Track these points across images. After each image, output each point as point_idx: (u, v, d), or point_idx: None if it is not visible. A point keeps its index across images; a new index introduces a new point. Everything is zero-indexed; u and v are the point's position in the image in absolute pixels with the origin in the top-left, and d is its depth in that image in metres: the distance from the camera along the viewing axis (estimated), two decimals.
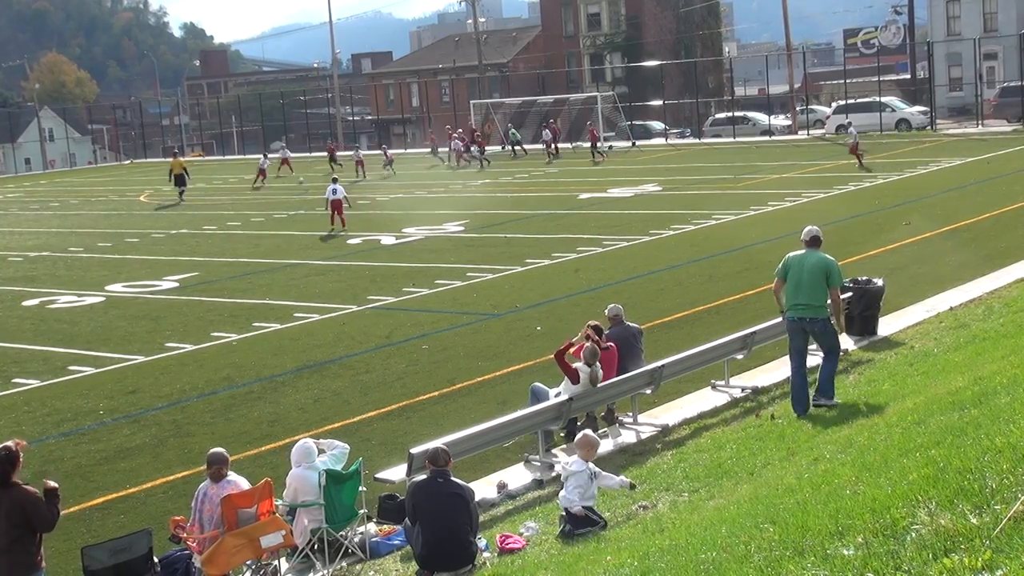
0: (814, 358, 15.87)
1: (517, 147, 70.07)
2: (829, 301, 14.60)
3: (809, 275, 14.48)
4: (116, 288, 30.09)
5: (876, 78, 71.89)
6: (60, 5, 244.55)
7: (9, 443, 9.65)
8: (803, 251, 14.78)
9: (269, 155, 66.85)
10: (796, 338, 14.90)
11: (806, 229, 15.06)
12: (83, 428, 17.70)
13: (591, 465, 11.63)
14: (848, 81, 72.81)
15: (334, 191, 39.34)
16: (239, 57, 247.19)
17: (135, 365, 21.49)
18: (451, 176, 58.78)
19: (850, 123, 53.37)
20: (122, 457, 16.20)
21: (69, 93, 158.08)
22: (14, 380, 20.80)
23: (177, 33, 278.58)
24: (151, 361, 21.69)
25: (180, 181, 55.18)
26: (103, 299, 28.70)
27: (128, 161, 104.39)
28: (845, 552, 6.77)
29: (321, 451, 12.29)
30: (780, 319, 17.64)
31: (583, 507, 11.38)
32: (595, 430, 15.12)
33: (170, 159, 61.83)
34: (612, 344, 15.84)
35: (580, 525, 11.33)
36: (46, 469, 15.56)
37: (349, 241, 35.97)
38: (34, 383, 20.53)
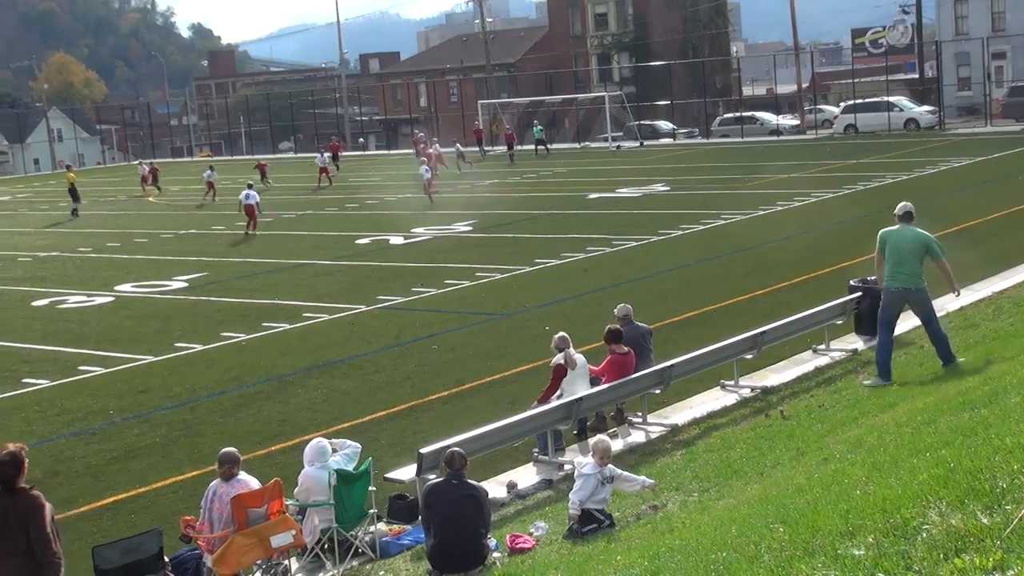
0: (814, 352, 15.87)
1: (540, 146, 69.57)
2: (939, 271, 15.40)
3: (909, 248, 15.11)
4: (125, 288, 30.15)
5: (884, 77, 71.75)
6: (67, 6, 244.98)
7: (11, 447, 9.61)
8: (897, 226, 15.28)
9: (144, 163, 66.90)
10: (892, 309, 15.46)
11: (900, 204, 15.59)
12: (93, 428, 17.74)
13: (607, 470, 11.61)
14: (856, 81, 72.66)
15: (247, 196, 40.15)
16: (247, 57, 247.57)
17: (145, 365, 21.53)
18: (460, 176, 58.71)
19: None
20: (132, 457, 16.24)
21: (77, 94, 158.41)
22: (24, 380, 20.86)
23: (185, 34, 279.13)
24: (161, 361, 21.73)
25: (74, 196, 52.11)
26: (112, 299, 28.76)
27: (136, 161, 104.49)
28: (855, 552, 6.76)
29: (334, 450, 12.31)
30: (791, 318, 17.81)
31: (586, 508, 11.39)
32: (604, 429, 15.15)
33: (64, 171, 59.92)
34: (631, 351, 15.80)
35: (584, 523, 11.35)
36: (57, 469, 15.63)
37: (358, 241, 36.01)
38: (44, 383, 20.58)
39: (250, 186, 41.39)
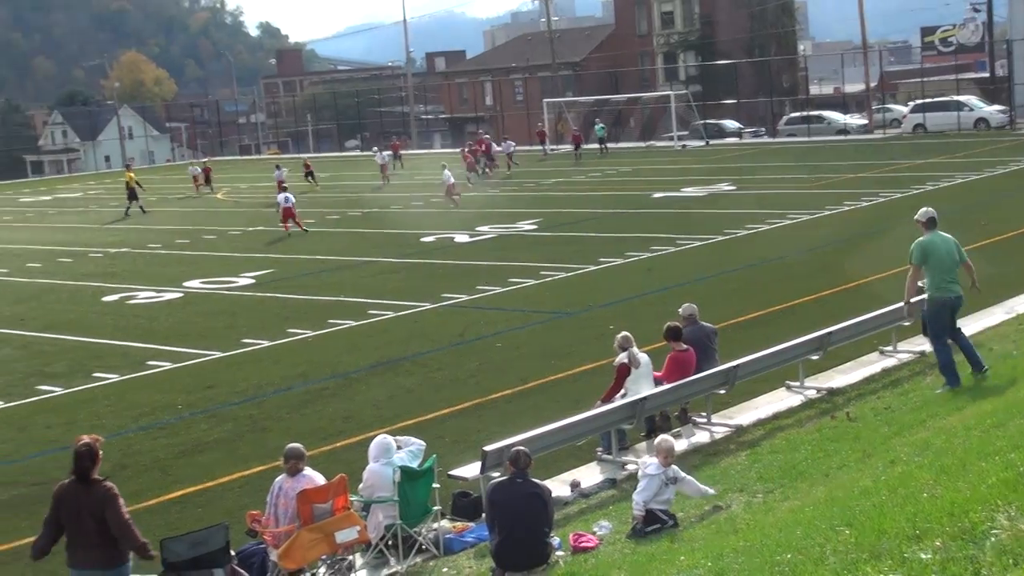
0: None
1: (602, 144, 69.48)
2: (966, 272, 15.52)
3: (950, 256, 15.23)
4: (194, 284, 30.47)
5: (954, 76, 70.91)
6: (139, 5, 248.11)
7: (86, 438, 9.78)
8: (930, 235, 15.26)
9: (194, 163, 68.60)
10: (945, 317, 15.41)
11: (924, 210, 15.55)
12: (161, 422, 17.95)
13: (671, 470, 11.57)
14: (925, 80, 71.90)
15: (286, 199, 40.41)
16: (314, 56, 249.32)
17: (212, 360, 21.76)
18: (527, 174, 58.77)
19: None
20: (199, 451, 16.42)
21: (148, 92, 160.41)
22: (94, 374, 21.15)
23: (253, 32, 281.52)
24: (228, 357, 21.95)
25: (132, 195, 52.29)
26: (181, 295, 29.08)
27: (205, 159, 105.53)
28: (923, 556, 6.72)
29: (398, 447, 12.38)
30: (857, 319, 17.60)
31: (650, 509, 11.37)
32: (669, 429, 15.10)
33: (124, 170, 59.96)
34: (690, 347, 15.76)
35: (648, 523, 11.33)
36: (126, 462, 15.83)
37: (422, 239, 36.14)
38: (114, 377, 20.86)
39: (285, 188, 41.83)
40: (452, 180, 46.77)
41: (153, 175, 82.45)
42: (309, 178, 59.87)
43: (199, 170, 64.57)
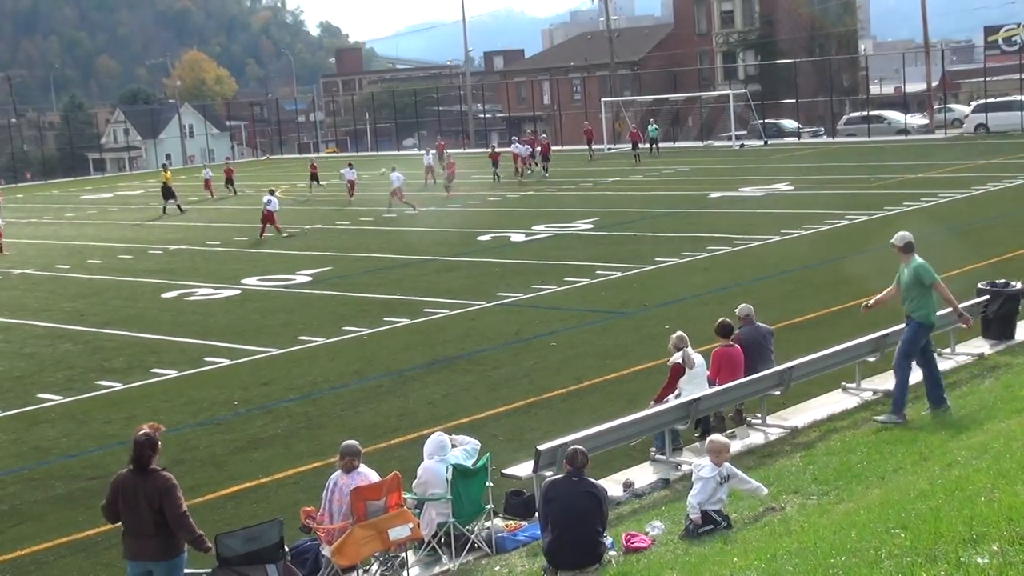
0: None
1: (653, 145, 69.25)
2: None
3: None
4: (251, 282, 30.71)
5: (1018, 76, 70.03)
6: (201, 4, 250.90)
7: (147, 427, 9.85)
8: (916, 259, 14.75)
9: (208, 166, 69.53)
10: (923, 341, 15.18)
11: (903, 235, 15.00)
12: (218, 418, 18.09)
13: (723, 469, 11.51)
14: (988, 79, 71.05)
15: (269, 202, 40.75)
16: (373, 55, 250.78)
17: (269, 357, 21.90)
18: (584, 173, 58.74)
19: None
20: (255, 447, 16.54)
21: (209, 90, 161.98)
22: (152, 370, 21.36)
23: (313, 32, 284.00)
24: (284, 354, 22.08)
25: (168, 194, 53.13)
26: (239, 292, 29.31)
27: (264, 157, 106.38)
28: (979, 560, 6.64)
29: (453, 445, 12.41)
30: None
31: (704, 510, 11.31)
32: (723, 430, 15.04)
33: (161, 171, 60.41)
34: (737, 345, 15.71)
35: (702, 523, 11.28)
36: (182, 457, 15.96)
37: (479, 237, 36.20)
38: (172, 373, 21.06)
39: (272, 192, 42.09)
40: (399, 183, 45.89)
41: (212, 172, 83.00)
42: (313, 181, 59.80)
43: (211, 173, 64.56)
